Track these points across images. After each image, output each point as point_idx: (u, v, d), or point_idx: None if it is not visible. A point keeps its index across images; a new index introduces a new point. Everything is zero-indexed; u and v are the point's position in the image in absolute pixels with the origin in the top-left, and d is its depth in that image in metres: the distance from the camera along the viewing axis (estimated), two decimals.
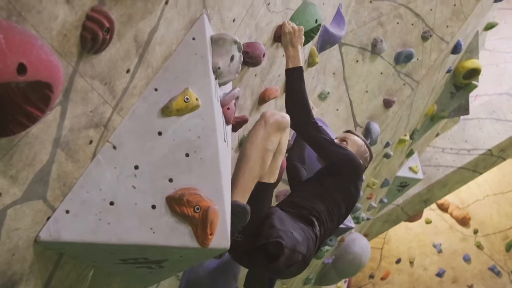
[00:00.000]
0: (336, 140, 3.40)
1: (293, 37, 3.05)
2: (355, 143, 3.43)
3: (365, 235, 9.48)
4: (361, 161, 3.31)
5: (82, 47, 1.51)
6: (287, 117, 2.74)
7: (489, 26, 7.79)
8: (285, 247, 2.64)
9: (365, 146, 3.47)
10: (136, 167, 1.90)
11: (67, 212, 1.77)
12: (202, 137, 1.99)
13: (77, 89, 1.58)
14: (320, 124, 3.27)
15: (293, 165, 3.63)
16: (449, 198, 14.74)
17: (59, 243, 1.76)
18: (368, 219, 8.82)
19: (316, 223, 2.96)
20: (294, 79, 3.05)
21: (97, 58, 1.61)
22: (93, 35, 1.51)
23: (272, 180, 2.84)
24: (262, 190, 2.77)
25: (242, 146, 2.75)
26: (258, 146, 2.63)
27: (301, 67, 3.04)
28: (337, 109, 4.91)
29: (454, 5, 5.52)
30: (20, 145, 1.45)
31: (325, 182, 3.18)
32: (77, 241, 1.78)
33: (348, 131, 3.57)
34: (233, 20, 2.46)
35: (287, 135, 2.79)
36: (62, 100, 1.54)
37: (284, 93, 3.20)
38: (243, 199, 2.57)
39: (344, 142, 3.41)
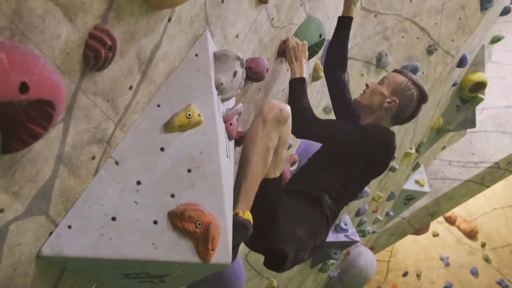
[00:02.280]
0: (372, 85, 3.29)
1: (297, 52, 3.07)
2: (393, 80, 3.22)
3: (372, 248, 9.45)
4: (379, 138, 3.10)
5: (84, 65, 1.53)
6: (286, 108, 2.66)
7: (495, 39, 7.80)
8: (288, 253, 2.65)
9: (409, 83, 3.21)
10: (138, 183, 1.91)
11: (70, 227, 1.78)
12: (204, 153, 2.01)
13: (80, 106, 1.60)
14: None
15: (334, 76, 3.38)
16: (457, 211, 14.68)
17: (61, 258, 1.78)
18: (374, 232, 8.80)
19: (325, 204, 2.92)
20: (294, 89, 3.08)
21: (100, 76, 1.63)
22: (96, 53, 1.53)
23: (278, 173, 2.76)
24: (267, 187, 2.72)
25: (242, 146, 2.70)
26: (258, 147, 2.58)
27: (302, 78, 3.06)
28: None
29: (460, 19, 5.54)
30: (23, 161, 1.47)
31: (340, 154, 3.10)
32: (79, 256, 1.79)
33: (401, 72, 3.34)
34: (236, 36, 2.48)
35: (289, 126, 2.72)
36: (65, 117, 1.56)
37: None
38: (247, 204, 2.56)
39: (380, 82, 3.26)
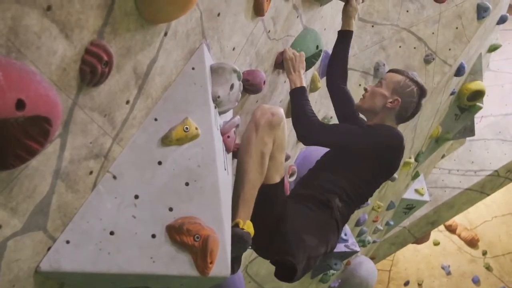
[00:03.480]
0: (371, 88, 3.27)
1: (295, 63, 3.08)
2: (392, 80, 3.20)
3: (372, 258, 9.43)
4: (387, 137, 3.05)
5: (81, 80, 1.54)
6: (279, 111, 2.65)
7: (493, 48, 7.81)
8: (298, 265, 2.63)
9: (407, 80, 3.18)
10: (136, 197, 1.91)
11: (68, 242, 1.79)
12: (202, 166, 2.01)
13: (77, 121, 1.60)
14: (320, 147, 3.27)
15: (338, 89, 3.47)
16: (457, 219, 14.65)
17: (59, 273, 1.78)
18: (374, 242, 8.78)
19: (335, 207, 2.87)
20: (294, 97, 3.07)
21: (97, 91, 1.63)
22: (92, 69, 1.53)
23: (278, 178, 2.75)
24: (268, 193, 2.70)
25: (238, 154, 2.68)
26: (252, 154, 2.58)
27: (302, 86, 3.07)
28: None
29: (457, 28, 5.55)
30: (20, 177, 1.48)
31: (349, 156, 3.05)
32: (78, 271, 1.79)
33: (398, 71, 3.31)
34: (233, 49, 2.49)
35: (283, 129, 2.70)
36: (62, 132, 1.56)
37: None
38: (247, 213, 2.55)
39: (379, 84, 3.24)
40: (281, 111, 2.67)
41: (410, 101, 3.16)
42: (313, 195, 2.93)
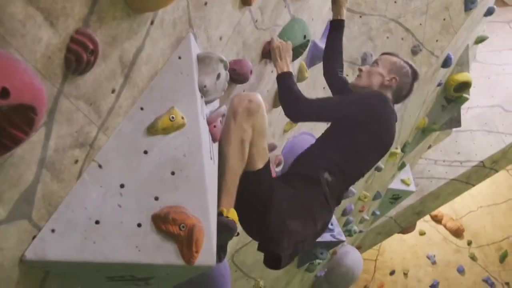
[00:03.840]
0: (366, 68, 3.29)
1: (281, 52, 3.08)
2: (387, 61, 3.24)
3: (359, 247, 9.47)
4: (378, 102, 3.05)
5: (66, 69, 1.53)
6: (256, 98, 2.63)
7: (479, 40, 7.85)
8: (282, 253, 2.64)
9: (401, 61, 3.24)
10: (122, 186, 1.91)
11: (53, 231, 1.78)
12: (187, 155, 2.01)
13: (62, 110, 1.60)
14: (306, 136, 3.27)
15: (339, 79, 3.50)
16: (443, 210, 14.74)
17: (44, 262, 1.77)
18: (360, 231, 8.83)
19: (323, 182, 2.85)
20: (281, 80, 3.06)
21: (82, 79, 1.63)
22: (77, 57, 1.53)
23: (261, 165, 2.73)
24: (251, 180, 2.69)
25: (218, 142, 2.66)
26: (232, 141, 2.57)
27: (289, 71, 3.07)
28: (327, 123, 4.92)
29: (444, 19, 5.57)
30: (5, 166, 1.47)
31: (343, 128, 3.02)
32: (63, 259, 1.79)
33: (391, 53, 3.36)
34: (220, 38, 2.49)
35: (263, 115, 2.67)
36: (47, 121, 1.56)
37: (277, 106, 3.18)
38: (230, 201, 2.55)
39: (375, 64, 3.26)
40: (259, 97, 2.66)
41: (406, 82, 3.21)
42: (301, 172, 2.93)
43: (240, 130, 2.59)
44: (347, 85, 3.43)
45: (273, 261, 2.70)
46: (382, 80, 3.17)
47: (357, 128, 2.97)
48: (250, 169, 2.69)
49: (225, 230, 2.34)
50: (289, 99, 2.99)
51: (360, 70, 3.29)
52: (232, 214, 2.50)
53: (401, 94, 3.24)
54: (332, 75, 3.51)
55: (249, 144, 2.64)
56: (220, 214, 2.45)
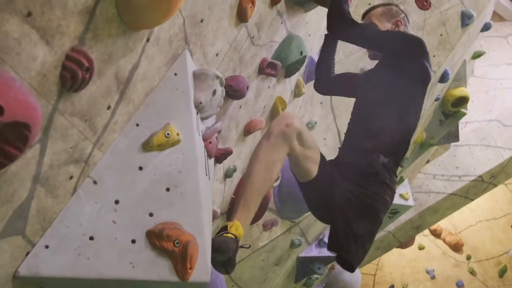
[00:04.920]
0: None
1: None
2: (376, 15, 3.29)
3: None
4: (414, 35, 3.18)
5: (61, 86, 1.54)
6: (295, 123, 2.67)
7: (477, 55, 7.87)
8: (353, 260, 2.78)
9: (384, 7, 3.32)
10: (117, 202, 1.92)
11: (47, 247, 1.78)
12: (183, 172, 2.02)
13: (57, 127, 1.61)
14: None
15: (330, 81, 3.52)
16: (442, 224, 14.71)
17: (38, 278, 1.77)
18: None
19: (379, 169, 2.87)
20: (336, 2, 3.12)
21: (77, 96, 1.64)
22: (73, 74, 1.54)
23: (314, 172, 2.78)
24: (311, 188, 2.84)
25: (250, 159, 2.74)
26: (260, 159, 2.60)
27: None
28: (324, 138, 4.94)
29: (441, 35, 5.59)
30: None
31: (384, 91, 3.06)
32: (57, 276, 1.79)
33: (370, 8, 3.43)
34: (216, 55, 2.50)
35: (302, 136, 2.71)
36: (42, 137, 1.56)
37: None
38: (246, 215, 2.56)
39: (374, 26, 3.26)
40: (296, 122, 2.69)
41: (402, 17, 3.31)
42: (356, 164, 2.93)
43: (271, 151, 2.63)
44: (350, 77, 3.49)
45: (346, 265, 2.84)
46: (391, 30, 3.23)
47: (400, 66, 3.02)
48: (308, 178, 2.79)
49: (217, 252, 2.33)
50: (334, 15, 3.11)
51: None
52: (236, 229, 2.48)
53: (407, 29, 3.31)
54: (326, 84, 3.54)
55: (281, 165, 2.69)
56: (224, 227, 2.45)
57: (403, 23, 3.24)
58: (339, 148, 3.21)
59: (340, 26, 3.11)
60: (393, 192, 2.93)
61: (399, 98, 3.00)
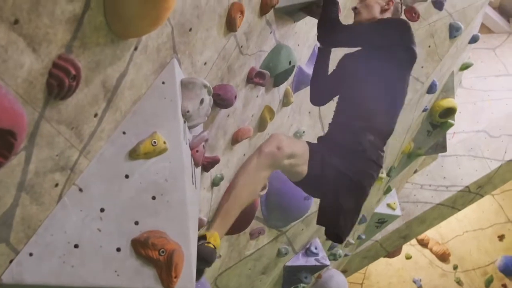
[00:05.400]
0: (359, 4, 3.37)
1: None
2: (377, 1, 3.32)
3: (344, 271, 9.44)
4: (398, 18, 3.27)
5: (48, 94, 1.54)
6: (285, 147, 2.78)
7: (464, 67, 7.92)
8: (342, 234, 2.93)
9: None
10: (102, 210, 1.91)
11: (31, 254, 1.78)
12: (169, 180, 2.02)
13: (43, 134, 1.60)
14: None
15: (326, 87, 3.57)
16: (429, 234, 14.76)
17: (22, 286, 1.76)
18: (346, 255, 8.81)
19: (366, 146, 2.95)
20: (329, 4, 3.16)
21: (64, 104, 1.64)
22: (59, 82, 1.54)
23: (305, 172, 2.91)
24: (304, 184, 2.97)
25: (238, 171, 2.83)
26: (248, 173, 2.70)
27: (336, 1, 3.20)
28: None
29: (429, 46, 5.64)
30: None
31: (370, 71, 3.14)
32: (41, 283, 1.78)
33: None
34: (205, 63, 2.51)
35: (291, 156, 2.83)
36: (27, 145, 1.56)
37: None
38: (224, 226, 2.59)
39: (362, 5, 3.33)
40: (287, 145, 2.83)
41: (397, 2, 3.34)
42: (344, 141, 3.03)
43: (258, 168, 2.75)
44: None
45: (334, 239, 3.01)
46: (381, 7, 3.28)
47: (388, 52, 3.10)
48: (300, 178, 2.92)
49: (202, 260, 2.34)
50: (325, 24, 3.16)
51: (355, 8, 3.39)
52: (215, 240, 2.51)
53: (398, 14, 3.37)
54: (322, 97, 3.64)
55: (265, 181, 2.86)
56: (203, 237, 2.46)
57: (393, 4, 3.28)
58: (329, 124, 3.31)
59: (330, 33, 3.17)
60: (379, 168, 3.05)
61: (387, 79, 3.10)
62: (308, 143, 3.06)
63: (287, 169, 2.85)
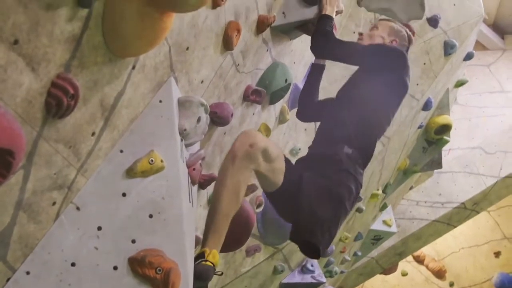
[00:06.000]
0: (366, 32, 3.40)
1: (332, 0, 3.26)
2: (386, 25, 3.35)
3: None
4: (399, 47, 3.24)
5: (46, 113, 1.55)
6: (258, 141, 2.65)
7: (459, 84, 7.96)
8: (318, 243, 2.77)
9: (398, 25, 3.36)
10: (99, 228, 1.91)
11: (28, 273, 1.77)
12: (166, 198, 2.02)
13: (41, 153, 1.61)
14: None
15: (314, 109, 3.53)
16: (425, 250, 14.74)
17: None
18: (342, 272, 8.79)
19: (343, 158, 2.90)
20: (323, 20, 3.19)
21: (62, 123, 1.64)
22: (58, 101, 1.55)
23: (280, 181, 2.78)
24: (278, 195, 2.84)
25: (215, 182, 2.73)
26: (227, 185, 2.58)
27: (331, 16, 3.22)
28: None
29: (424, 63, 5.68)
30: None
31: (357, 89, 3.15)
32: None
33: (380, 19, 3.50)
34: (202, 82, 2.52)
35: (266, 153, 2.69)
36: (25, 163, 1.57)
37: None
38: (217, 242, 2.56)
39: (375, 28, 3.36)
40: (260, 140, 2.68)
41: (403, 45, 3.33)
42: (321, 153, 3.00)
43: (238, 174, 2.61)
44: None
45: (311, 251, 2.86)
46: (383, 42, 3.28)
47: (378, 76, 3.08)
48: (275, 187, 2.79)
49: (199, 279, 2.33)
50: (321, 37, 3.17)
51: (360, 34, 3.42)
52: (213, 257, 2.49)
53: (405, 44, 3.35)
54: (309, 112, 3.57)
55: (246, 186, 2.70)
56: (202, 254, 2.45)
57: (397, 44, 3.28)
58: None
59: (324, 43, 3.18)
60: (358, 183, 2.97)
61: (373, 100, 3.07)
62: (284, 155, 2.98)
63: (263, 174, 2.73)
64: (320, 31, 3.17)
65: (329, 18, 3.21)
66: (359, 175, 2.98)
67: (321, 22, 3.20)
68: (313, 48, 3.27)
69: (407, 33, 3.35)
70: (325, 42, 3.17)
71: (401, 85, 3.19)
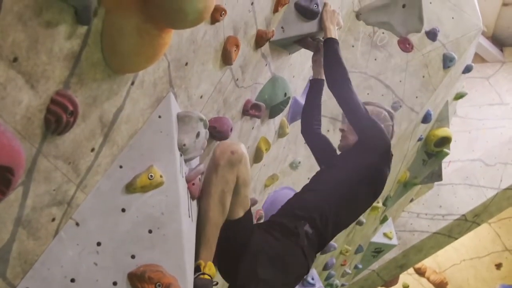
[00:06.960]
0: (346, 125, 3.34)
1: (332, 17, 3.24)
2: (373, 112, 3.29)
3: None
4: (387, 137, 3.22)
5: (46, 129, 1.56)
6: (239, 149, 2.64)
7: (458, 96, 7.97)
8: None
9: (376, 108, 3.35)
10: (99, 244, 1.92)
11: None
12: (165, 214, 2.03)
13: (40, 169, 1.62)
14: (288, 191, 3.27)
15: (317, 135, 3.54)
16: (426, 262, 14.70)
17: None
18: (343, 285, 8.77)
19: (301, 234, 2.85)
20: (333, 44, 3.19)
21: (61, 139, 1.65)
22: (57, 118, 1.55)
23: (241, 213, 2.75)
24: (231, 229, 2.71)
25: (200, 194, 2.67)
26: (212, 194, 2.57)
27: (336, 39, 3.21)
28: (308, 178, 4.94)
29: (423, 76, 5.70)
30: None
31: (343, 169, 3.12)
32: None
33: (365, 103, 3.40)
34: (201, 97, 2.53)
35: (246, 165, 2.69)
36: (25, 180, 1.57)
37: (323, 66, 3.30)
38: (209, 252, 2.56)
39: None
40: (241, 148, 2.68)
41: (387, 125, 3.32)
42: (282, 223, 2.94)
43: (221, 183, 2.60)
44: (330, 145, 3.52)
45: None
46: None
47: (373, 162, 3.10)
48: (230, 217, 2.71)
49: None
50: (337, 71, 3.16)
51: (342, 130, 3.36)
52: (210, 269, 2.49)
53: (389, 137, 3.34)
54: (310, 132, 3.56)
55: (231, 195, 2.66)
56: (197, 268, 2.45)
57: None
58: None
59: (343, 85, 3.16)
60: (306, 261, 2.92)
61: (344, 189, 3.04)
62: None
63: (227, 195, 2.66)
64: (333, 64, 3.17)
65: (336, 43, 3.21)
66: (309, 255, 2.94)
67: (331, 50, 3.19)
68: (329, 80, 3.23)
69: (386, 111, 3.38)
70: (344, 87, 3.15)
71: (378, 178, 3.21)
